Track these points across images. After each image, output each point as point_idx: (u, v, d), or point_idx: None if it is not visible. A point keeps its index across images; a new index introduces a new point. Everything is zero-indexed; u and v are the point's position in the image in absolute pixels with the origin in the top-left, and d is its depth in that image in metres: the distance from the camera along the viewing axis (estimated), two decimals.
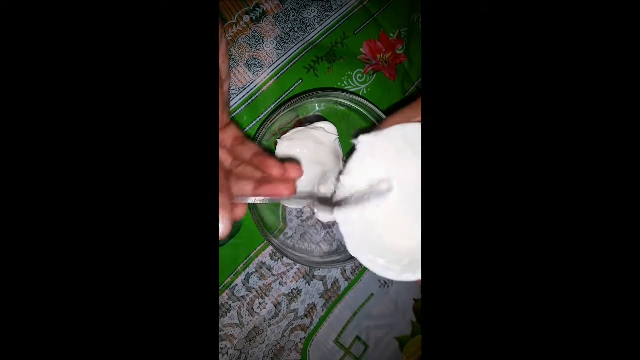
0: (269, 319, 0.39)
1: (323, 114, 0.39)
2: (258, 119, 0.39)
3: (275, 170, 0.27)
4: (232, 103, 0.38)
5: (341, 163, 0.38)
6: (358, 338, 0.43)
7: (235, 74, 0.38)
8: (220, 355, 0.38)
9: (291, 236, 0.38)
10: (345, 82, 0.41)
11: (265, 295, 0.39)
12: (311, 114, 0.39)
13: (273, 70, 0.39)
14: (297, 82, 0.40)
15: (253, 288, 0.39)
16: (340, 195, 0.29)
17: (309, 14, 0.41)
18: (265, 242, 0.39)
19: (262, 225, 0.34)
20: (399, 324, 0.44)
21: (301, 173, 0.28)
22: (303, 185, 0.36)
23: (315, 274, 0.41)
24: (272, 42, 0.39)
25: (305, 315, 0.41)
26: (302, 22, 0.40)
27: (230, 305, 0.38)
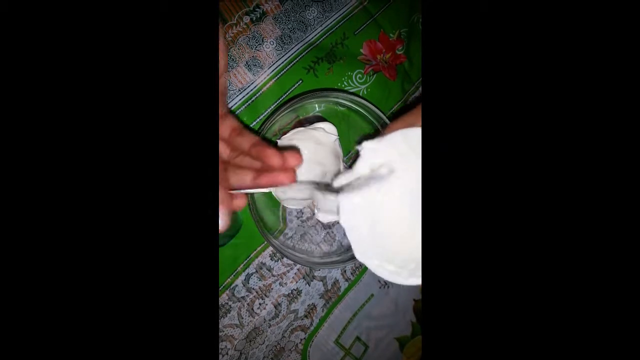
0: (269, 320, 0.39)
1: (323, 114, 0.39)
2: (258, 120, 0.39)
3: (274, 159, 0.27)
4: (232, 104, 0.38)
5: (341, 163, 0.38)
6: (358, 338, 0.43)
7: (235, 74, 0.38)
8: (220, 356, 0.38)
9: (291, 237, 0.38)
10: (345, 83, 0.41)
11: (265, 295, 0.39)
12: (311, 114, 0.39)
13: (273, 70, 0.39)
14: (297, 82, 0.40)
15: (253, 288, 0.39)
16: (341, 182, 0.30)
17: (309, 14, 0.41)
18: (265, 242, 0.39)
19: (262, 225, 0.34)
20: (399, 324, 0.44)
21: (301, 161, 0.28)
22: (303, 185, 0.36)
23: (315, 274, 0.41)
24: (272, 43, 0.39)
25: (305, 316, 0.41)
26: (302, 22, 0.40)
27: (230, 305, 0.38)
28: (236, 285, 0.38)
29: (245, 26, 0.38)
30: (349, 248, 0.37)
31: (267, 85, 0.39)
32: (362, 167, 0.28)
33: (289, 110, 0.35)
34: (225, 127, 0.30)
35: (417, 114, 0.28)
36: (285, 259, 0.40)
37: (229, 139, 0.29)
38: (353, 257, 0.35)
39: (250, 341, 0.39)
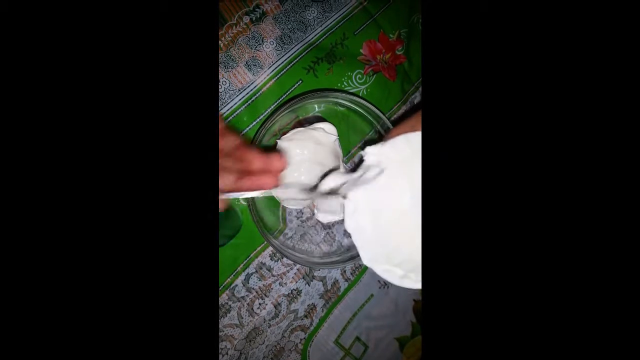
0: (269, 320, 0.39)
1: (323, 114, 0.39)
2: (258, 120, 0.39)
3: (257, 162, 0.26)
4: (231, 103, 0.38)
5: (341, 163, 0.38)
6: (358, 338, 0.43)
7: (235, 74, 0.38)
8: (220, 356, 0.38)
9: (291, 237, 0.38)
10: (345, 83, 0.41)
11: (265, 295, 0.39)
12: (311, 114, 0.39)
13: (273, 70, 0.39)
14: (297, 82, 0.40)
15: (253, 288, 0.39)
16: (329, 184, 0.30)
17: (309, 14, 0.41)
18: (265, 242, 0.39)
19: (262, 225, 0.34)
20: (398, 324, 0.44)
21: (284, 165, 0.27)
22: (303, 185, 0.36)
23: (315, 274, 0.41)
24: (272, 43, 0.39)
25: (305, 316, 0.41)
26: (302, 22, 0.40)
27: (230, 305, 0.38)
28: (236, 285, 0.38)
29: (245, 26, 0.38)
30: (348, 248, 0.37)
31: (267, 86, 0.39)
32: (365, 171, 0.28)
33: (288, 110, 0.35)
34: None
35: (419, 118, 0.29)
36: (285, 259, 0.40)
37: None
38: (353, 258, 0.35)
39: (250, 341, 0.39)
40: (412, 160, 0.27)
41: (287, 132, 0.36)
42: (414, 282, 0.27)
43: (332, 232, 0.40)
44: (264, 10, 0.39)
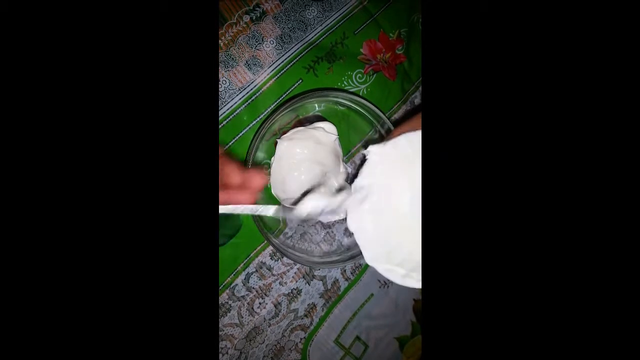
0: (269, 319, 0.39)
1: (323, 114, 0.39)
2: (258, 119, 0.39)
3: (234, 177, 0.26)
4: (231, 103, 0.38)
5: (341, 163, 0.38)
6: (358, 338, 0.43)
7: (235, 73, 0.38)
8: (220, 355, 0.38)
9: (291, 236, 0.38)
10: (345, 82, 0.41)
11: (265, 295, 0.39)
12: (311, 113, 0.39)
13: (273, 70, 0.39)
14: (297, 82, 0.40)
15: (253, 288, 0.39)
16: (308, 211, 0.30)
17: (309, 14, 0.41)
18: (265, 241, 0.39)
19: (262, 225, 0.34)
20: (398, 324, 0.44)
21: (264, 182, 0.27)
22: (303, 185, 0.36)
23: (315, 273, 0.41)
24: (272, 42, 0.39)
25: (305, 315, 0.41)
26: (302, 22, 0.40)
27: (230, 305, 0.38)
28: (236, 285, 0.38)
29: (245, 25, 0.38)
30: (349, 247, 0.37)
31: (267, 85, 0.39)
32: (367, 171, 0.28)
33: (289, 109, 0.35)
34: None
35: (418, 120, 0.29)
36: (285, 259, 0.40)
37: None
38: (353, 257, 0.35)
39: (250, 340, 0.39)
40: (414, 160, 0.27)
41: (287, 131, 0.36)
42: (416, 281, 0.27)
43: (332, 232, 0.40)
44: (264, 9, 0.39)
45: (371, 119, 0.37)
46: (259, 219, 0.34)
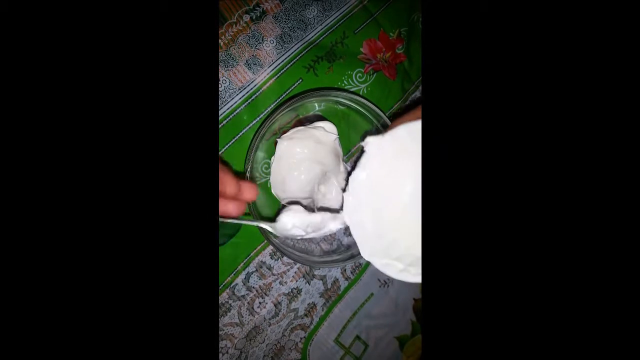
0: (269, 318, 0.40)
1: (323, 113, 0.39)
2: (258, 118, 0.39)
3: (230, 187, 0.26)
4: (231, 102, 0.38)
5: (341, 163, 0.38)
6: (358, 337, 0.43)
7: (235, 73, 0.38)
8: (221, 355, 0.38)
9: None
10: (345, 82, 0.41)
11: (265, 294, 0.39)
12: (311, 113, 0.39)
13: (273, 69, 0.39)
14: (297, 81, 0.40)
15: (253, 287, 0.39)
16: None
17: (309, 13, 0.41)
18: (265, 241, 0.39)
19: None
20: (398, 323, 0.44)
21: (255, 196, 0.27)
22: (303, 184, 0.36)
23: (315, 273, 0.41)
24: (272, 42, 0.39)
25: (305, 315, 0.41)
26: (302, 21, 0.40)
27: (230, 304, 0.38)
28: (236, 284, 0.38)
29: (245, 25, 0.38)
30: (349, 247, 0.37)
31: (267, 84, 0.39)
32: (365, 163, 0.28)
33: (289, 109, 0.34)
34: None
35: (419, 110, 0.28)
36: (285, 258, 0.40)
37: None
38: (353, 256, 0.35)
39: (251, 340, 0.39)
40: (413, 151, 0.26)
41: (287, 130, 0.36)
42: (414, 275, 0.27)
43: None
44: (264, 8, 0.39)
45: (371, 118, 0.37)
46: (259, 219, 0.34)
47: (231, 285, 0.38)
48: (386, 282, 0.44)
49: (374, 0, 0.43)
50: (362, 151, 0.28)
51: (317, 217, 0.30)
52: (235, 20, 0.38)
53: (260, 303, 0.39)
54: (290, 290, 0.40)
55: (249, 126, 0.38)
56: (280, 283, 0.40)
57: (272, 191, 0.37)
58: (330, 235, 0.40)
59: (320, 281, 0.41)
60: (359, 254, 0.28)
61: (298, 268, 0.41)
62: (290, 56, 0.39)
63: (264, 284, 0.39)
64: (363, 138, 0.28)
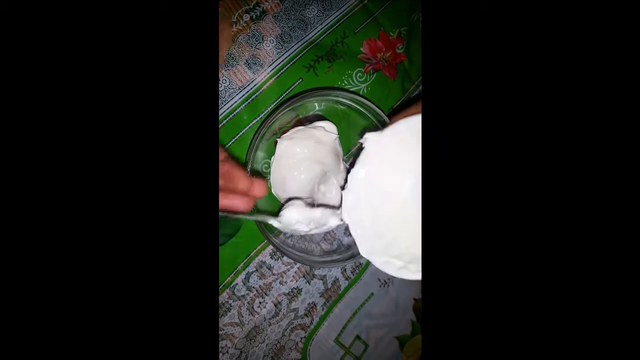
0: (269, 318, 0.40)
1: (323, 113, 0.39)
2: (258, 118, 0.39)
3: (242, 183, 0.26)
4: (231, 102, 0.38)
5: (341, 162, 0.38)
6: (358, 337, 0.43)
7: (235, 72, 0.38)
8: (221, 354, 0.38)
9: (291, 235, 0.38)
10: (345, 81, 0.41)
11: (266, 294, 0.39)
12: (311, 113, 0.39)
13: (273, 69, 0.39)
14: (297, 81, 0.40)
15: (253, 287, 0.39)
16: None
17: (309, 12, 0.41)
18: (265, 241, 0.39)
19: (262, 224, 0.34)
20: (399, 323, 0.44)
21: (265, 193, 0.27)
22: (303, 184, 0.36)
23: (315, 273, 0.41)
24: (272, 41, 0.39)
25: (306, 315, 0.41)
26: (302, 21, 0.40)
27: (230, 304, 0.38)
28: (236, 284, 0.38)
29: (245, 24, 0.38)
30: (349, 247, 0.37)
31: (267, 84, 0.39)
32: (364, 160, 0.28)
33: (289, 108, 0.34)
34: None
35: (417, 107, 0.28)
36: (285, 258, 0.40)
37: None
38: (353, 256, 0.35)
39: (251, 340, 0.39)
40: (412, 145, 0.26)
41: (288, 130, 0.36)
42: (413, 273, 0.26)
43: (332, 231, 0.40)
44: (264, 8, 0.39)
45: (371, 118, 0.37)
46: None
47: (231, 285, 0.38)
48: (386, 282, 0.44)
49: None
50: (360, 148, 0.28)
51: (317, 212, 0.30)
52: (235, 20, 0.38)
53: (260, 303, 0.39)
54: (290, 290, 0.40)
55: (249, 126, 0.38)
56: (281, 283, 0.40)
57: (272, 191, 0.37)
58: (330, 235, 0.40)
59: (321, 281, 0.41)
60: (359, 253, 0.28)
61: (298, 268, 0.41)
62: (290, 56, 0.39)
63: (264, 283, 0.39)
64: (361, 135, 0.28)
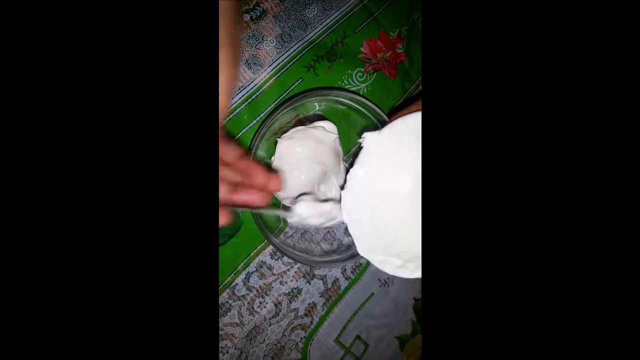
0: (270, 318, 0.40)
1: (323, 113, 0.39)
2: (258, 118, 0.39)
3: (260, 178, 0.26)
4: (232, 102, 0.38)
5: (341, 162, 0.38)
6: (358, 337, 0.43)
7: None
8: (221, 354, 0.38)
9: (291, 235, 0.38)
10: (345, 81, 0.41)
11: (266, 294, 0.39)
12: (311, 113, 0.39)
13: (273, 69, 0.39)
14: (297, 81, 0.40)
15: (253, 287, 0.39)
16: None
17: (309, 12, 0.41)
18: (266, 241, 0.39)
19: (262, 224, 0.34)
20: (399, 323, 0.44)
21: (281, 188, 0.28)
22: (303, 184, 0.36)
23: (316, 273, 0.41)
24: (272, 41, 0.39)
25: (306, 315, 0.41)
26: (302, 21, 0.40)
27: (230, 304, 0.38)
28: (236, 284, 0.38)
29: (245, 24, 0.38)
30: (349, 246, 0.37)
31: (268, 84, 0.39)
32: (363, 160, 0.28)
33: (289, 108, 0.34)
34: None
35: (416, 105, 0.28)
36: (285, 258, 0.40)
37: None
38: (353, 256, 0.35)
39: (251, 340, 0.39)
40: (411, 143, 0.26)
41: (288, 130, 0.36)
42: (411, 271, 0.26)
43: (333, 231, 0.40)
44: (264, 8, 0.39)
45: (371, 117, 0.37)
46: (259, 219, 0.34)
47: (231, 285, 0.38)
48: (386, 281, 0.44)
49: None
50: (359, 147, 0.28)
51: (327, 206, 0.31)
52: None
53: (260, 303, 0.39)
54: (290, 290, 0.40)
55: (249, 126, 0.38)
56: (281, 283, 0.40)
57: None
58: (330, 234, 0.40)
59: (321, 281, 0.41)
60: (359, 252, 0.28)
61: (298, 268, 0.41)
62: (291, 56, 0.39)
63: (264, 283, 0.39)
64: (360, 134, 0.28)
